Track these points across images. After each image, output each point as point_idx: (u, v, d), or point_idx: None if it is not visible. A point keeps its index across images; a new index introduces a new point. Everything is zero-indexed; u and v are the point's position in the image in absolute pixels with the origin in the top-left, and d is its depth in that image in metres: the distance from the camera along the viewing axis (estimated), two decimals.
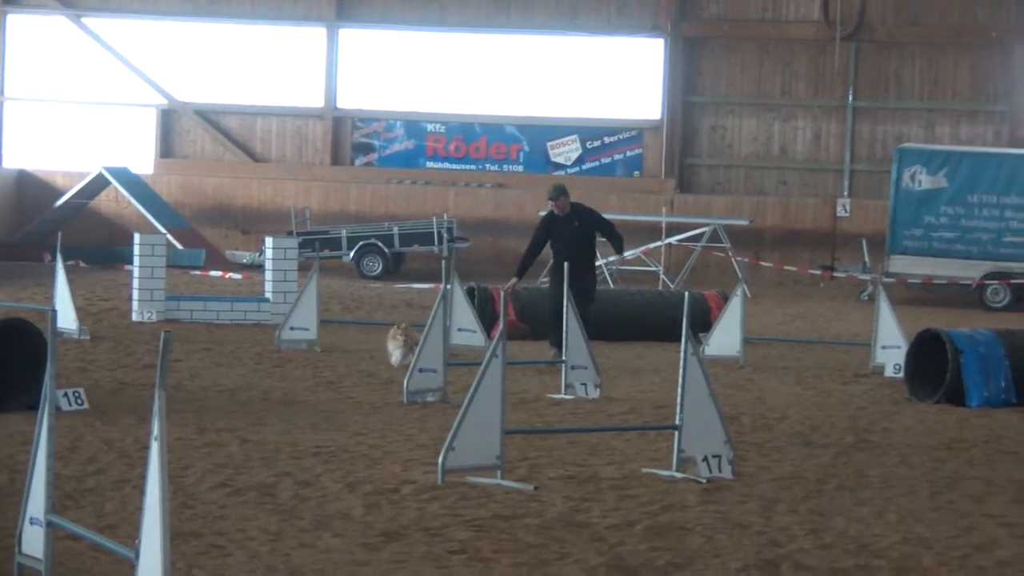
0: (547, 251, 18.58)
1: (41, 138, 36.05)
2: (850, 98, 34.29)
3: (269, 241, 22.73)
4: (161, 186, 34.47)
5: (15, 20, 36.12)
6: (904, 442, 13.47)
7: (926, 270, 29.83)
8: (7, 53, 36.04)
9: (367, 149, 35.80)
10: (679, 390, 11.38)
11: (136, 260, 21.83)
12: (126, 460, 11.38)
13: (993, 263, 29.64)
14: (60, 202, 33.21)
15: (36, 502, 7.78)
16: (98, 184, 32.98)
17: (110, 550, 7.86)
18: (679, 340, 11.48)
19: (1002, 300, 29.38)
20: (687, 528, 9.79)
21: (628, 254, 29.35)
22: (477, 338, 18.44)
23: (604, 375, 15.96)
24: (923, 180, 30.15)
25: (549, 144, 35.22)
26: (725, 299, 20.54)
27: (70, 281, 19.76)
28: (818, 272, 31.86)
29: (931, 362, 16.04)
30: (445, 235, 31.34)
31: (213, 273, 28.61)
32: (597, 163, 35.13)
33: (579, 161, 35.16)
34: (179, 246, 30.91)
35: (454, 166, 35.45)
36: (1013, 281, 29.34)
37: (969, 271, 29.61)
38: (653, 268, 30.79)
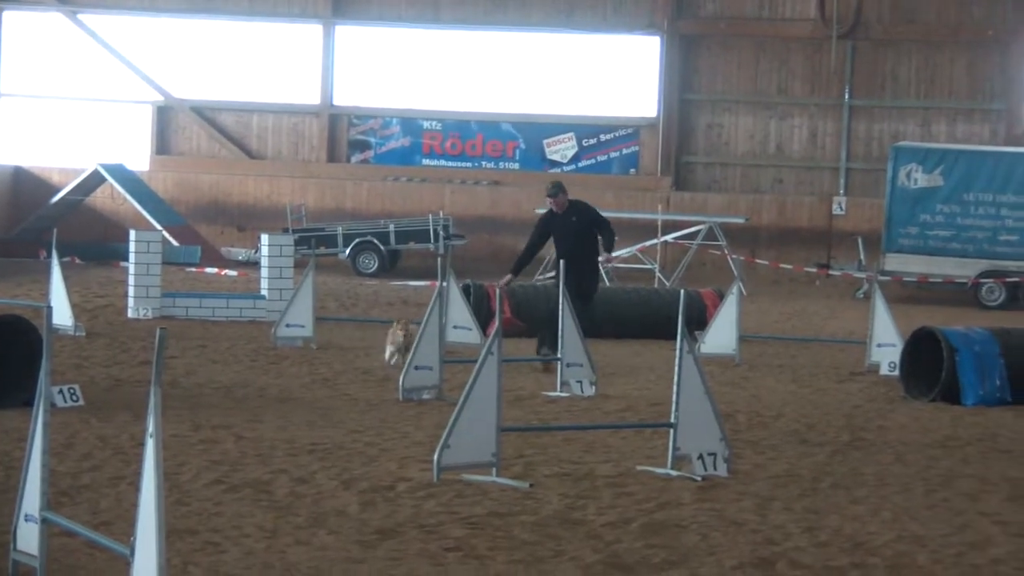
0: (549, 249, 18.52)
1: (37, 134, 36.03)
2: (846, 96, 34.30)
3: (265, 238, 22.73)
4: (157, 183, 34.47)
5: (11, 16, 36.10)
6: (899, 440, 13.49)
7: (922, 268, 29.86)
8: (3, 49, 36.03)
9: (363, 146, 35.80)
10: (675, 388, 11.38)
11: (132, 257, 21.82)
12: (121, 457, 11.38)
13: (989, 261, 29.66)
14: (56, 199, 33.19)
15: (31, 499, 7.78)
16: (94, 181, 32.98)
17: (105, 547, 7.86)
18: (675, 338, 11.49)
19: (997, 298, 29.40)
20: (682, 526, 9.79)
21: (624, 252, 29.46)
22: (473, 335, 18.44)
23: (600, 373, 15.96)
24: (919, 178, 30.17)
25: (545, 141, 35.23)
26: (721, 297, 20.54)
27: (66, 278, 19.76)
28: (814, 270, 31.87)
29: (926, 360, 16.05)
30: (441, 232, 31.35)
31: (209, 270, 28.62)
32: (593, 161, 35.13)
33: (575, 159, 35.17)
34: (175, 243, 30.91)
35: (450, 163, 35.46)
36: (1008, 279, 29.36)
37: (964, 269, 29.63)
38: (649, 266, 30.80)
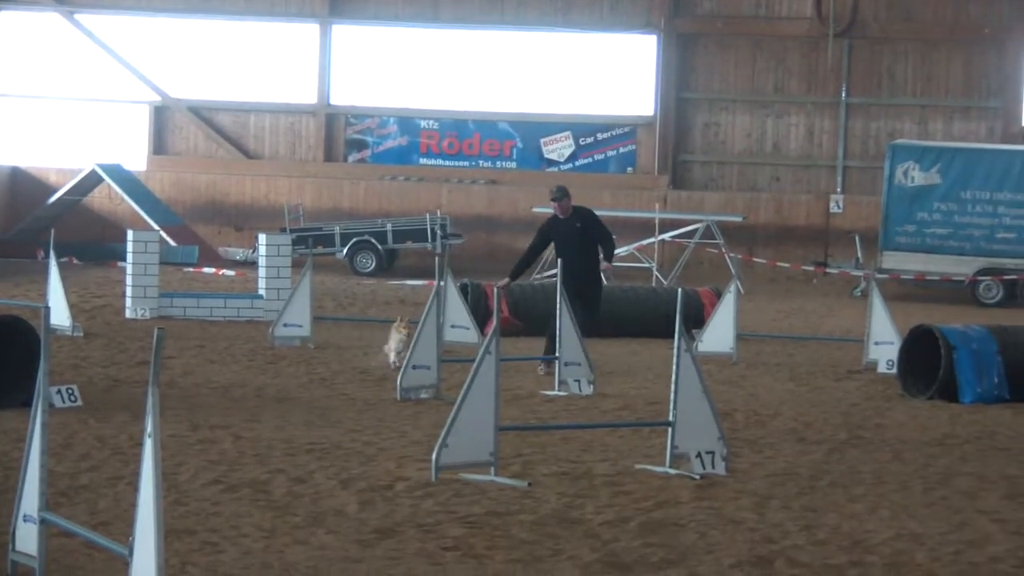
0: (549, 249, 18.43)
1: (34, 135, 36.02)
2: (843, 94, 34.32)
3: (262, 238, 22.73)
4: (154, 183, 34.46)
5: (7, 16, 36.08)
6: (897, 438, 13.49)
7: (919, 266, 29.86)
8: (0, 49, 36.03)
9: (360, 145, 35.80)
10: (672, 386, 11.39)
11: (129, 257, 21.81)
12: (119, 457, 11.38)
13: (986, 259, 29.67)
14: (53, 199, 33.18)
15: (30, 499, 7.78)
16: (91, 181, 32.96)
17: (104, 547, 7.86)
18: (672, 336, 11.49)
19: (995, 296, 29.41)
20: (680, 524, 9.80)
21: (622, 251, 29.43)
22: (470, 335, 18.43)
23: (598, 371, 15.96)
24: (916, 176, 30.17)
25: (542, 140, 35.23)
26: (718, 295, 20.55)
27: (63, 278, 19.74)
28: (811, 268, 31.88)
29: (924, 358, 16.05)
30: (438, 232, 31.35)
31: (206, 270, 28.61)
32: (590, 159, 35.14)
33: (572, 157, 35.17)
34: (172, 243, 30.91)
35: (447, 162, 35.45)
36: (1006, 277, 29.38)
37: (962, 267, 29.64)
38: (646, 264, 30.80)
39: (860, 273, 30.31)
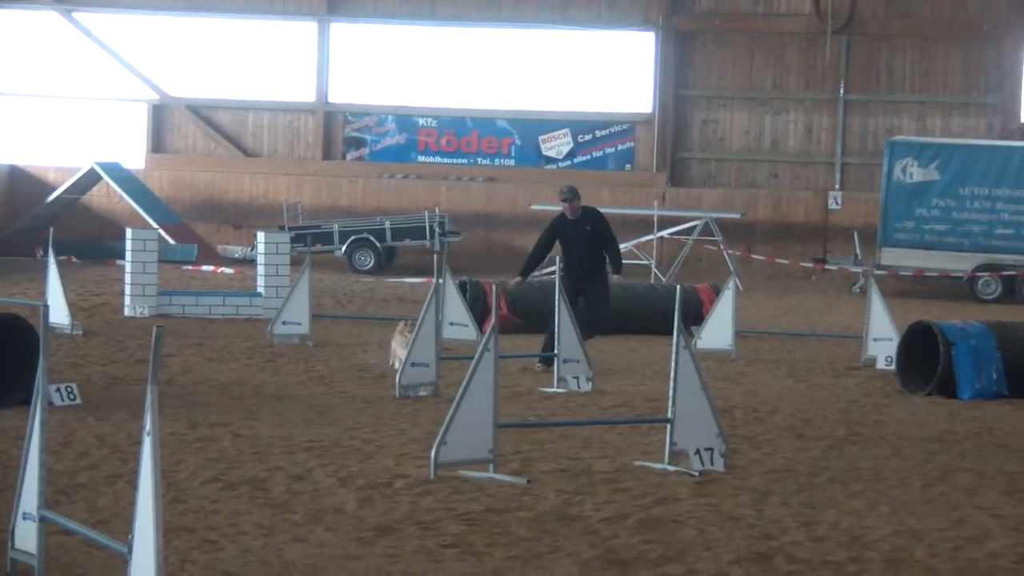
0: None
1: (32, 133, 36.01)
2: (841, 91, 34.31)
3: (261, 236, 22.73)
4: (153, 181, 34.46)
5: (5, 15, 36.07)
6: (896, 434, 13.49)
7: (917, 262, 29.87)
8: None
9: (359, 143, 35.80)
10: (671, 383, 11.39)
11: (128, 255, 21.81)
12: (119, 455, 11.38)
13: (984, 255, 29.68)
14: (52, 197, 33.19)
15: (29, 497, 7.78)
16: (90, 179, 32.96)
17: (103, 545, 7.86)
18: (671, 333, 11.50)
19: (993, 292, 29.42)
20: (679, 521, 9.80)
21: (621, 248, 29.38)
22: (469, 332, 18.44)
23: (596, 368, 15.97)
24: (914, 173, 30.18)
25: (541, 138, 35.22)
26: (717, 292, 20.55)
27: (62, 276, 19.74)
28: (810, 265, 31.89)
29: (923, 354, 16.05)
30: (437, 229, 31.34)
31: (205, 268, 28.62)
32: (589, 157, 35.13)
33: (570, 155, 35.17)
34: (171, 241, 30.90)
35: (446, 160, 35.45)
36: (1004, 273, 29.39)
37: (960, 263, 29.65)
38: (645, 261, 30.79)
39: (859, 269, 30.31)
